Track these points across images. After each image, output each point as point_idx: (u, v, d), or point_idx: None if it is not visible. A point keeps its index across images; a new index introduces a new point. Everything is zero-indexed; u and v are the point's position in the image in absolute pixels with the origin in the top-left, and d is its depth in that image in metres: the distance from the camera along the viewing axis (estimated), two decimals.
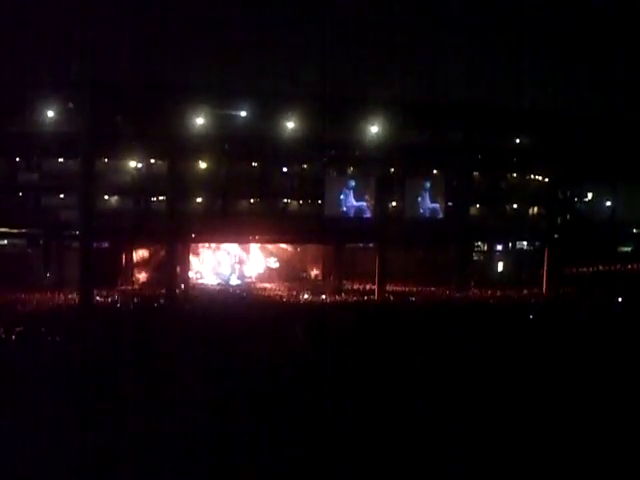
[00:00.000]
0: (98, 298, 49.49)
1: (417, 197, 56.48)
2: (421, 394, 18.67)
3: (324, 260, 65.85)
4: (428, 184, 57.00)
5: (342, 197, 54.54)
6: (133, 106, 51.08)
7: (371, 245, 57.99)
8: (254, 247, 64.64)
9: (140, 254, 62.79)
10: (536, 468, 13.95)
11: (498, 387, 19.82)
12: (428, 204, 56.49)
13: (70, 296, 49.98)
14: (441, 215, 57.04)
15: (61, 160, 53.81)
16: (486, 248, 66.59)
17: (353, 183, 55.19)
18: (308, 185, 55.72)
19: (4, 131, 49.57)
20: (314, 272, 67.12)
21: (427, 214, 56.31)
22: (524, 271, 63.57)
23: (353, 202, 54.37)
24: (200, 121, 51.29)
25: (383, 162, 55.55)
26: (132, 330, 28.33)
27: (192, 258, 60.72)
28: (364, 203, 54.41)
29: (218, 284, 61.16)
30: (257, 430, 15.30)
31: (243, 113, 53.03)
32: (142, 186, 53.90)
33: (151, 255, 62.85)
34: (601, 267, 63.31)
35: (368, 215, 54.86)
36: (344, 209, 54.37)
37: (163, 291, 52.63)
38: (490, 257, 65.76)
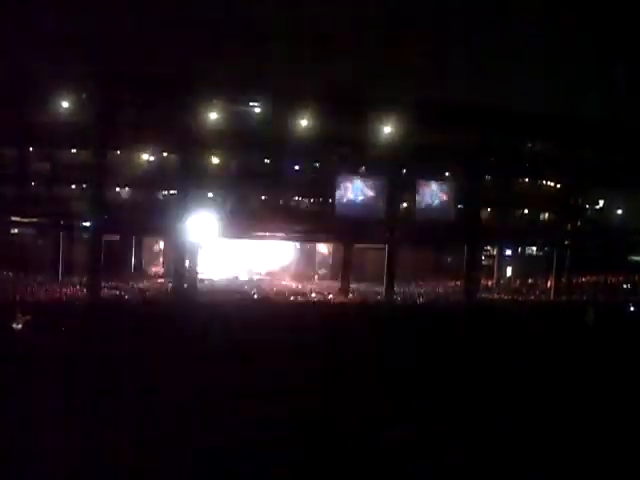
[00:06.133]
0: (106, 290, 49.69)
1: (428, 199, 56.43)
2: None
3: (333, 259, 65.81)
4: (440, 186, 56.95)
5: (352, 196, 54.67)
6: (146, 99, 51.21)
7: (381, 245, 57.79)
8: (265, 244, 64.48)
9: (150, 247, 62.90)
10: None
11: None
12: (439, 206, 56.47)
13: (78, 287, 50.20)
14: (452, 218, 56.95)
15: (73, 151, 53.86)
16: (495, 252, 66.29)
17: (364, 182, 55.28)
18: (319, 183, 55.65)
19: (17, 121, 49.68)
20: (323, 271, 67.07)
21: (437, 216, 56.27)
22: (533, 276, 63.35)
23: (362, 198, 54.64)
24: (213, 116, 51.39)
25: (395, 162, 55.45)
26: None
27: (202, 253, 60.62)
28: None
29: (227, 280, 61.01)
30: None
31: (257, 109, 53.12)
32: (154, 179, 53.90)
33: (161, 248, 62.99)
34: (611, 275, 63.08)
35: (378, 214, 54.94)
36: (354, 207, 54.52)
37: (170, 285, 52.96)
38: (499, 261, 65.48)
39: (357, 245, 59.81)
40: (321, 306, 46.54)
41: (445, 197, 56.94)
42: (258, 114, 53.32)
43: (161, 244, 63.90)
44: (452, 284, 60.23)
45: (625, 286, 61.10)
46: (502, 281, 64.08)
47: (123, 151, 53.63)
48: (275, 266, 65.83)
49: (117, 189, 55.09)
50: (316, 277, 65.93)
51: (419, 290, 57.56)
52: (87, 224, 52.90)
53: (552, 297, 58.30)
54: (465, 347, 26.82)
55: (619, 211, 66.83)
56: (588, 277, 63.75)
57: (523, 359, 24.71)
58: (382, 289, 55.04)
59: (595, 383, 20.94)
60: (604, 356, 25.43)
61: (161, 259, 63.79)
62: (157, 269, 61.90)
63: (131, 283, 53.86)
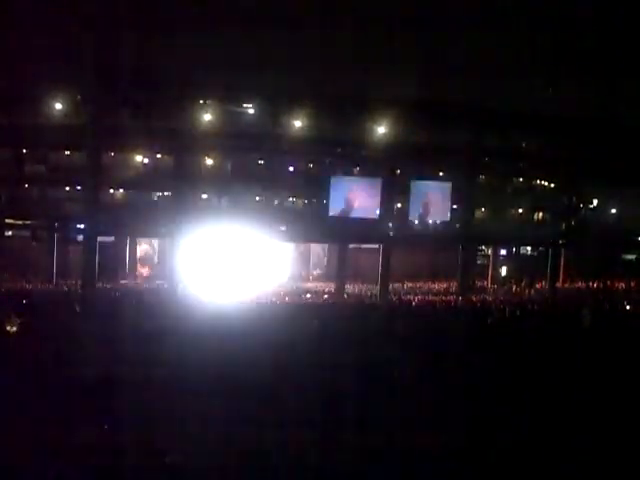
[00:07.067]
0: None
1: (422, 199, 56.49)
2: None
3: (328, 260, 65.71)
4: (434, 186, 57.02)
5: (347, 196, 54.73)
6: (141, 100, 51.13)
7: (375, 246, 57.79)
8: (260, 244, 64.26)
9: (144, 249, 62.74)
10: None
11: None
12: (433, 206, 56.58)
13: (73, 289, 50.03)
14: (446, 218, 57.01)
15: (67, 153, 53.77)
16: (490, 252, 66.31)
17: (359, 183, 55.37)
18: (314, 184, 55.66)
19: (12, 122, 49.59)
20: (317, 272, 66.89)
21: (432, 216, 56.38)
22: (528, 276, 63.37)
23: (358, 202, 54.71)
24: (207, 117, 51.35)
25: (389, 163, 55.47)
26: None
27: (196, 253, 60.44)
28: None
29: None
30: None
31: (251, 110, 53.08)
32: (148, 180, 53.85)
33: (154, 250, 62.81)
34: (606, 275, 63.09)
35: (372, 214, 55.00)
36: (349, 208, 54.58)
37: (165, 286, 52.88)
38: (494, 261, 65.49)
39: (352, 246, 59.74)
40: None
41: (439, 198, 56.99)
42: (252, 114, 53.30)
43: (155, 245, 63.64)
44: (447, 284, 60.19)
45: (620, 285, 61.11)
46: (497, 281, 64.07)
47: (117, 153, 53.59)
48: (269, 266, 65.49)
49: (111, 191, 54.99)
50: (310, 278, 65.76)
51: (414, 290, 57.42)
52: (81, 226, 52.80)
53: (547, 297, 58.28)
54: (462, 347, 26.78)
55: (613, 210, 66.97)
56: (583, 277, 63.77)
57: (520, 359, 24.69)
58: (376, 289, 55.09)
59: (590, 384, 20.95)
60: (599, 356, 25.42)
61: (155, 260, 63.52)
62: (152, 271, 61.68)
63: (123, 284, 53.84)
